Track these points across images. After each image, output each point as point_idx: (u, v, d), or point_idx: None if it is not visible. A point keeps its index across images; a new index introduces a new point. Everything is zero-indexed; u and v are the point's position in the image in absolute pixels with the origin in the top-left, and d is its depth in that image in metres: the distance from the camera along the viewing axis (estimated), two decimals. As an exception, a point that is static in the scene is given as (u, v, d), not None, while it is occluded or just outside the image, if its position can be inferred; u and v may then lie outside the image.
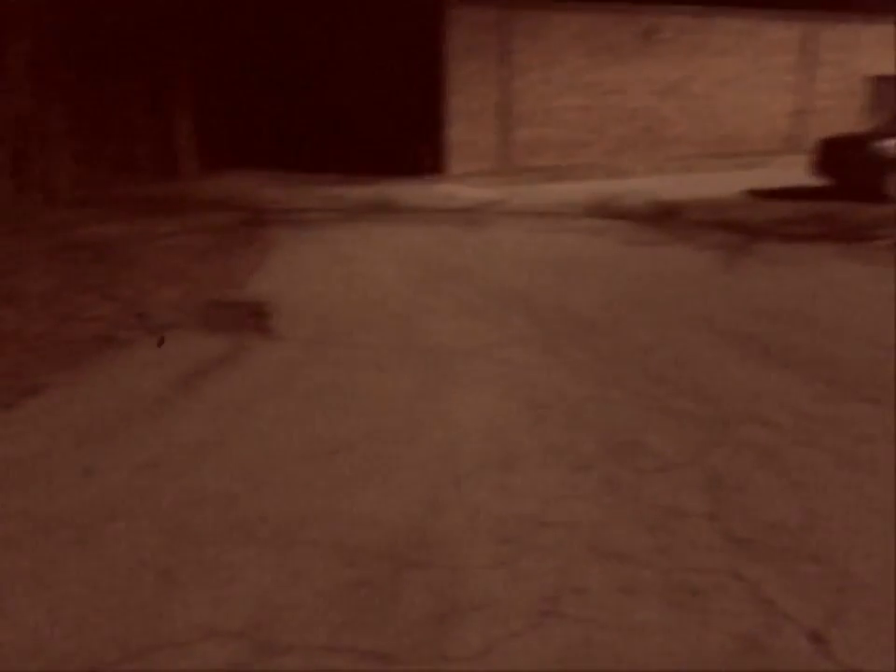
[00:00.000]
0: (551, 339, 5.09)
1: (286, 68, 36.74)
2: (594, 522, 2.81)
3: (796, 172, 14.17)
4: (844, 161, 12.35)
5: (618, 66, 21.84)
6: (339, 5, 32.78)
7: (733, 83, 22.65)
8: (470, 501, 2.98)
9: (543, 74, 21.50)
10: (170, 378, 4.47)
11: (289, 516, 2.90)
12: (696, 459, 3.29)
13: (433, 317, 5.72)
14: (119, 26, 20.22)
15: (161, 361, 4.83)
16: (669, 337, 5.08)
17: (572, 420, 3.75)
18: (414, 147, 22.55)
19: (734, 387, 4.12)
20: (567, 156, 21.88)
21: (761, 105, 22.57)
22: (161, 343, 5.18)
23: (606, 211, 11.81)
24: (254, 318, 5.76)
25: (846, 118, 21.60)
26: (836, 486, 3.03)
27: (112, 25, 19.55)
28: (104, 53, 20.32)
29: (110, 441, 3.62)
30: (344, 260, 8.08)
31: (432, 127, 21.96)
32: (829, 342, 4.88)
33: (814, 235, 8.85)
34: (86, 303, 6.31)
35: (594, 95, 21.97)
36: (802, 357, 4.60)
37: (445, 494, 3.04)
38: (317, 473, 3.25)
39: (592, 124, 22.05)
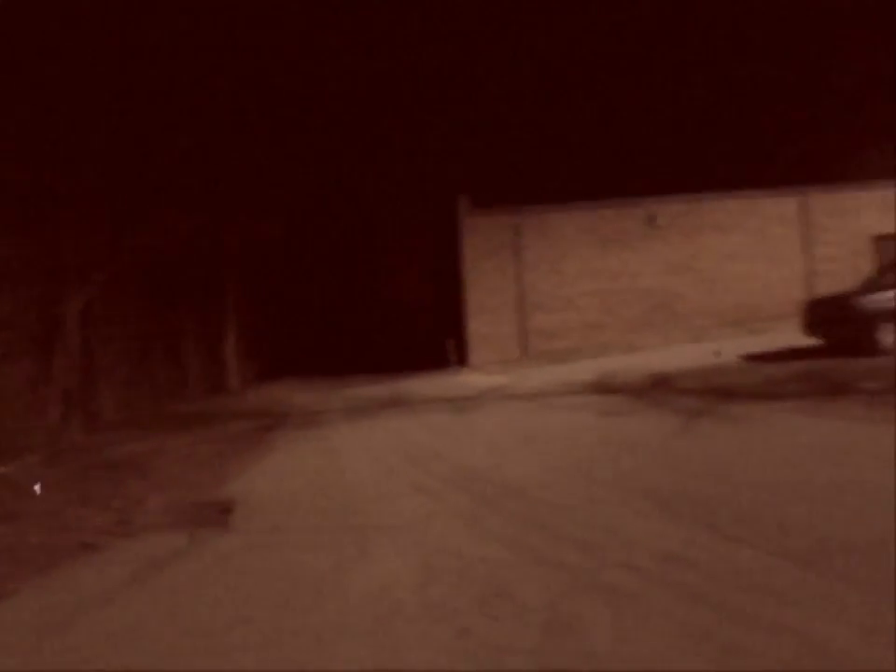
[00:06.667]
0: (478, 509, 5.43)
1: (321, 282, 39.96)
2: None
3: (799, 335, 14.47)
4: (829, 319, 12.81)
5: (626, 252, 23.30)
6: (365, 227, 36.37)
7: (738, 256, 23.75)
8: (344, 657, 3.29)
9: (555, 266, 23.08)
10: (124, 574, 4.95)
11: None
12: (552, 605, 3.54)
13: (381, 500, 6.13)
14: (173, 267, 22.92)
15: (123, 561, 5.33)
16: (587, 498, 5.37)
17: (459, 578, 4.04)
18: (440, 342, 23.92)
19: (620, 539, 4.36)
20: (585, 338, 22.81)
21: (766, 274, 23.48)
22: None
23: (602, 387, 12.31)
24: (218, 514, 6.29)
25: (855, 277, 22.21)
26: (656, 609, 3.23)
27: (166, 266, 22.18)
28: (157, 290, 22.90)
29: (56, 633, 4.06)
30: (328, 455, 8.68)
31: (455, 322, 23.44)
32: (735, 494, 5.10)
33: (791, 393, 9.09)
34: (83, 515, 6.96)
35: (605, 280, 23.29)
36: (700, 510, 4.81)
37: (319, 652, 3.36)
38: (214, 643, 3.61)
39: (605, 306, 23.18)
